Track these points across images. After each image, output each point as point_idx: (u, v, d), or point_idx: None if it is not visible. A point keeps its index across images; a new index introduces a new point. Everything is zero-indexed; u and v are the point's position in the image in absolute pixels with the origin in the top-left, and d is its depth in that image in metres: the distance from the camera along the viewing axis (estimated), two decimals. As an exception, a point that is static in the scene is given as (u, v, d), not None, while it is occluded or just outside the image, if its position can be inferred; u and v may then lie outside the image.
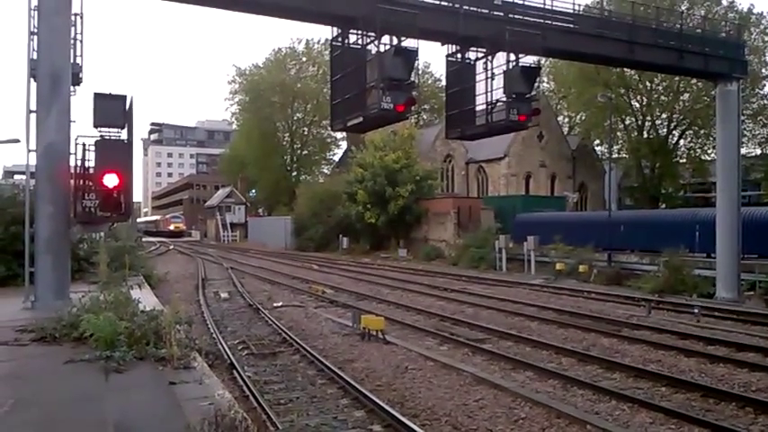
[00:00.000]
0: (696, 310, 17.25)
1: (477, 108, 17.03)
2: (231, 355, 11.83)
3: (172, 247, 61.13)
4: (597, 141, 56.08)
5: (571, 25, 18.44)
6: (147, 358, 8.17)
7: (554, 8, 18.03)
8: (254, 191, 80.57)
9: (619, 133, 49.98)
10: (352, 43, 15.28)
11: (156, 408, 6.45)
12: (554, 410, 8.80)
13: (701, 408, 9.19)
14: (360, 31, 14.98)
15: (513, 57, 15.89)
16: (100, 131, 13.12)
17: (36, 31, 12.95)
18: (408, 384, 10.40)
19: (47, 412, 6.25)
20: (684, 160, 50.07)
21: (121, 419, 6.00)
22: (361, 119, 15.06)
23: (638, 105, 49.43)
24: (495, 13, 16.89)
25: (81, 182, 13.39)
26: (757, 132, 47.72)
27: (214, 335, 14.23)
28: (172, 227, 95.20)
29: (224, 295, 21.99)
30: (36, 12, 12.90)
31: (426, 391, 9.97)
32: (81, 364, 8.03)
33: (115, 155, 12.84)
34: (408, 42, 14.20)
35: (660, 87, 47.56)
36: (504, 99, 16.09)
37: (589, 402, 9.44)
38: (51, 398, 6.77)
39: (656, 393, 9.91)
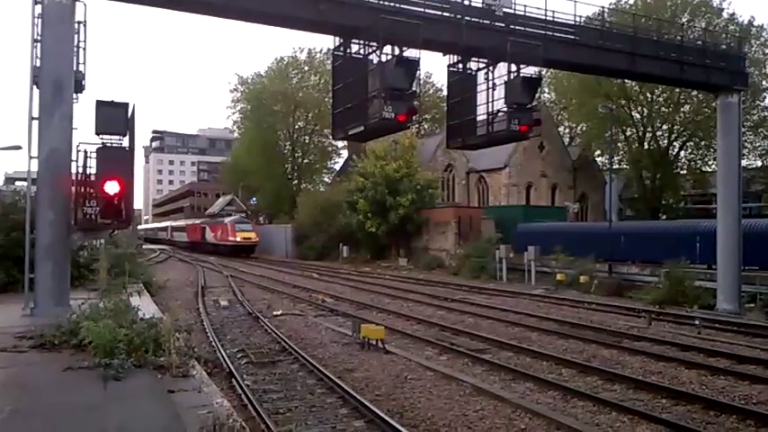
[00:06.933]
0: (697, 322, 17.19)
1: (479, 118, 17.10)
2: (230, 364, 11.80)
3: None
4: (598, 152, 56.19)
5: (572, 37, 18.52)
6: (145, 366, 8.16)
7: (555, 20, 18.14)
8: (254, 199, 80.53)
9: (619, 144, 50.03)
10: (354, 53, 15.38)
11: (154, 416, 6.42)
12: (554, 422, 8.77)
13: (701, 420, 9.17)
14: (362, 41, 15.07)
15: (514, 67, 15.98)
16: (102, 138, 13.16)
17: (39, 38, 13.05)
18: (408, 394, 10.36)
19: (45, 420, 6.23)
20: (685, 171, 50.11)
21: (120, 428, 5.98)
22: (362, 128, 15.12)
23: (638, 116, 49.49)
24: (497, 24, 16.96)
25: (82, 189, 13.42)
26: (758, 144, 47.79)
27: (213, 343, 14.19)
28: (239, 237, 55.67)
29: (224, 303, 21.95)
30: (39, 20, 13.01)
31: (426, 402, 9.93)
32: (80, 371, 8.02)
33: (116, 162, 12.90)
34: (410, 52, 14.26)
35: (661, 99, 47.64)
36: (506, 109, 16.16)
37: (589, 414, 9.40)
38: (50, 406, 6.75)
39: (657, 405, 9.88)
